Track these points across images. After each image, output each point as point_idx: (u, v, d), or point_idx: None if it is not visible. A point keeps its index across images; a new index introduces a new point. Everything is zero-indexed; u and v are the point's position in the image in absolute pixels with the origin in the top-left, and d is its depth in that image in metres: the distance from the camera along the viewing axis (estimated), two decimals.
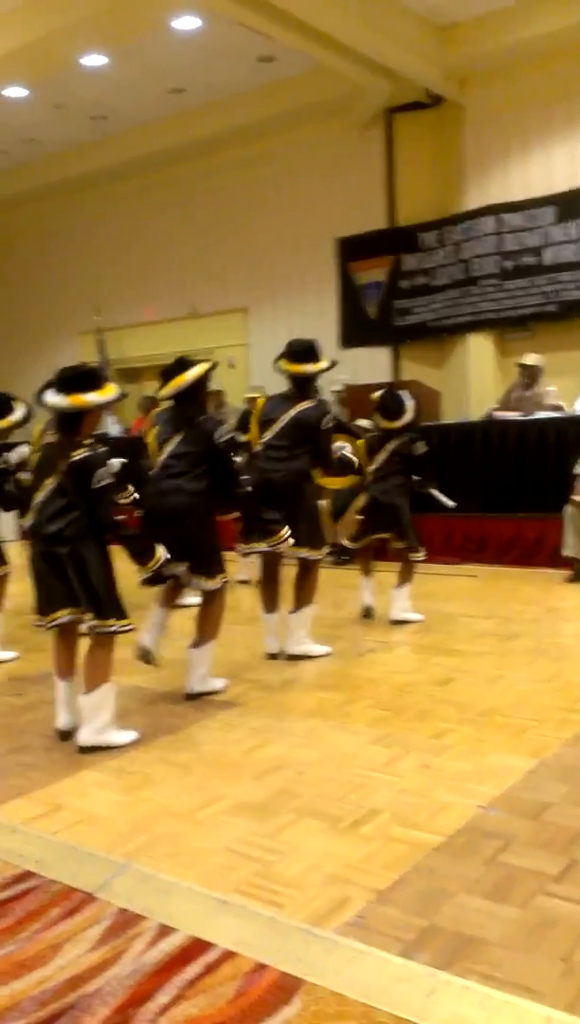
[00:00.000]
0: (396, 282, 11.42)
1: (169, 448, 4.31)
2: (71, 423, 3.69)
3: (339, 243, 11.85)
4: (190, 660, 4.32)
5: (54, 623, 3.73)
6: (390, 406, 5.85)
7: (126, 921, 2.37)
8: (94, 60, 10.10)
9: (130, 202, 13.59)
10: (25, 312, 15.21)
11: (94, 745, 3.63)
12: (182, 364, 4.38)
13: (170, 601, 4.52)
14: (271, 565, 5.16)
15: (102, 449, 3.72)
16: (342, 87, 10.57)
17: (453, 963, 2.13)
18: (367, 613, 6.03)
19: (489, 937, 2.24)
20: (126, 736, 3.73)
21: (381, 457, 5.84)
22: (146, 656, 4.40)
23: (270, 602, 5.12)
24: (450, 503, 6.41)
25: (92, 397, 3.67)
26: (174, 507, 4.23)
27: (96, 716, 3.65)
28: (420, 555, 5.89)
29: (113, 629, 3.64)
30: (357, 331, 11.81)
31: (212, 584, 4.28)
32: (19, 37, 8.83)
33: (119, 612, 3.67)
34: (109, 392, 3.74)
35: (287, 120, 11.48)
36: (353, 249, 11.73)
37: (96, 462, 3.64)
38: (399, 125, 11.29)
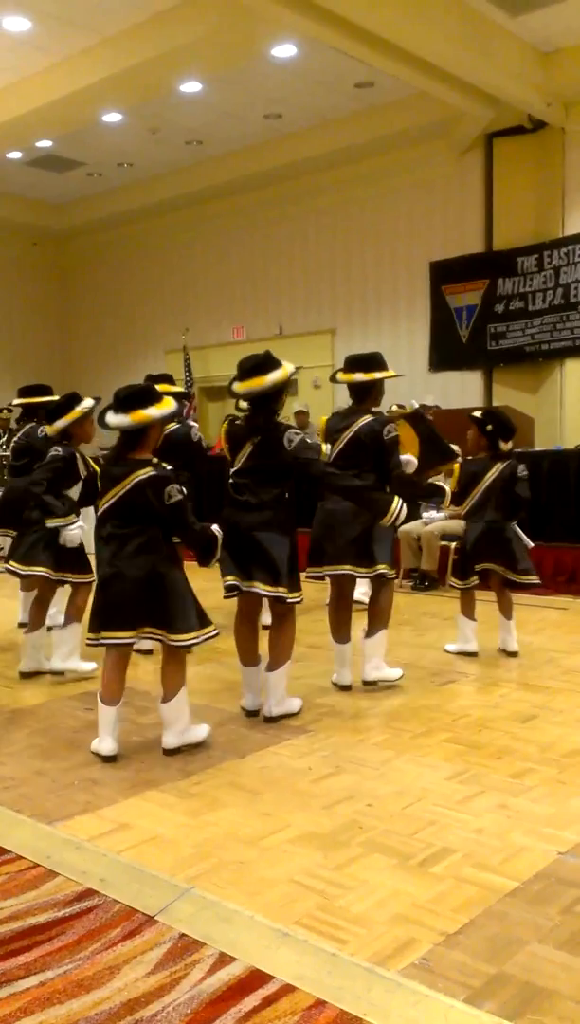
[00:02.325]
0: (491, 306, 11.30)
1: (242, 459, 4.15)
2: (134, 440, 3.77)
3: (433, 266, 11.80)
4: (267, 683, 4.23)
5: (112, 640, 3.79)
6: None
7: (185, 946, 2.34)
8: (191, 87, 10.23)
9: (222, 223, 13.81)
10: (115, 329, 15.61)
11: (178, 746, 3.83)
12: (262, 364, 4.11)
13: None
14: (344, 589, 4.87)
15: (169, 468, 3.78)
16: (442, 112, 10.52)
17: (522, 1014, 2.04)
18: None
19: (562, 989, 2.14)
20: (201, 731, 3.92)
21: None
22: None
23: (341, 629, 4.84)
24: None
25: (153, 411, 3.74)
26: (249, 524, 4.08)
27: (178, 719, 3.82)
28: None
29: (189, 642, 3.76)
30: (448, 354, 11.75)
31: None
32: (118, 64, 9.00)
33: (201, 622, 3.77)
34: (168, 405, 3.80)
35: (384, 144, 11.50)
36: (447, 272, 11.67)
37: (164, 479, 3.69)
38: (499, 149, 11.20)
